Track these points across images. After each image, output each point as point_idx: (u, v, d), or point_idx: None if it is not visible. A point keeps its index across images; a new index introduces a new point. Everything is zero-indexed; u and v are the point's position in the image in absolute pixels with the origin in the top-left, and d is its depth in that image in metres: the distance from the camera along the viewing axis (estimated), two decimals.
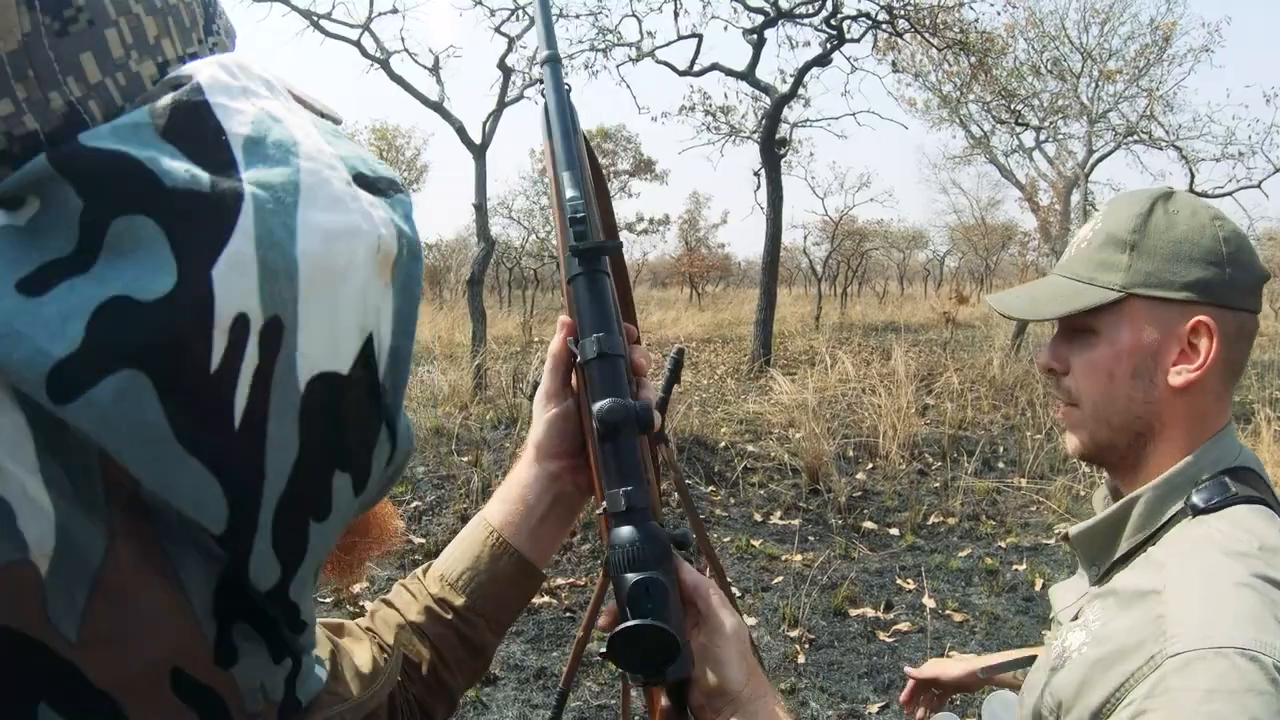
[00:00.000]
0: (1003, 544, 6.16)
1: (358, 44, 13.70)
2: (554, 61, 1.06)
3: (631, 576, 0.84)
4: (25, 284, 0.44)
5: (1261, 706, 0.89)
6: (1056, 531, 6.29)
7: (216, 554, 0.51)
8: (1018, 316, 1.28)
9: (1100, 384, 1.19)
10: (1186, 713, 0.91)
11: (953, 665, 1.77)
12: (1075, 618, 1.19)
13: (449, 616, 0.97)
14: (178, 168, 0.47)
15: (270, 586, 0.53)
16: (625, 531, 0.87)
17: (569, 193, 0.96)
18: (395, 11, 13.78)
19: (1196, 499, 1.13)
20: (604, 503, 0.90)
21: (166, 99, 0.49)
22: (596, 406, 0.90)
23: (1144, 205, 1.19)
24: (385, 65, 13.66)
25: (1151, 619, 1.01)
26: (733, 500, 6.98)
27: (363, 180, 0.55)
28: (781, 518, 6.63)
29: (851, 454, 8.28)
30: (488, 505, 1.06)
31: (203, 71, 0.50)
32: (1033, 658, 1.40)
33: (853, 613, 4.87)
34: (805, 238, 32.82)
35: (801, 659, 4.43)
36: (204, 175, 0.47)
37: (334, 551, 0.70)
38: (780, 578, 5.46)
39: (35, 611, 0.44)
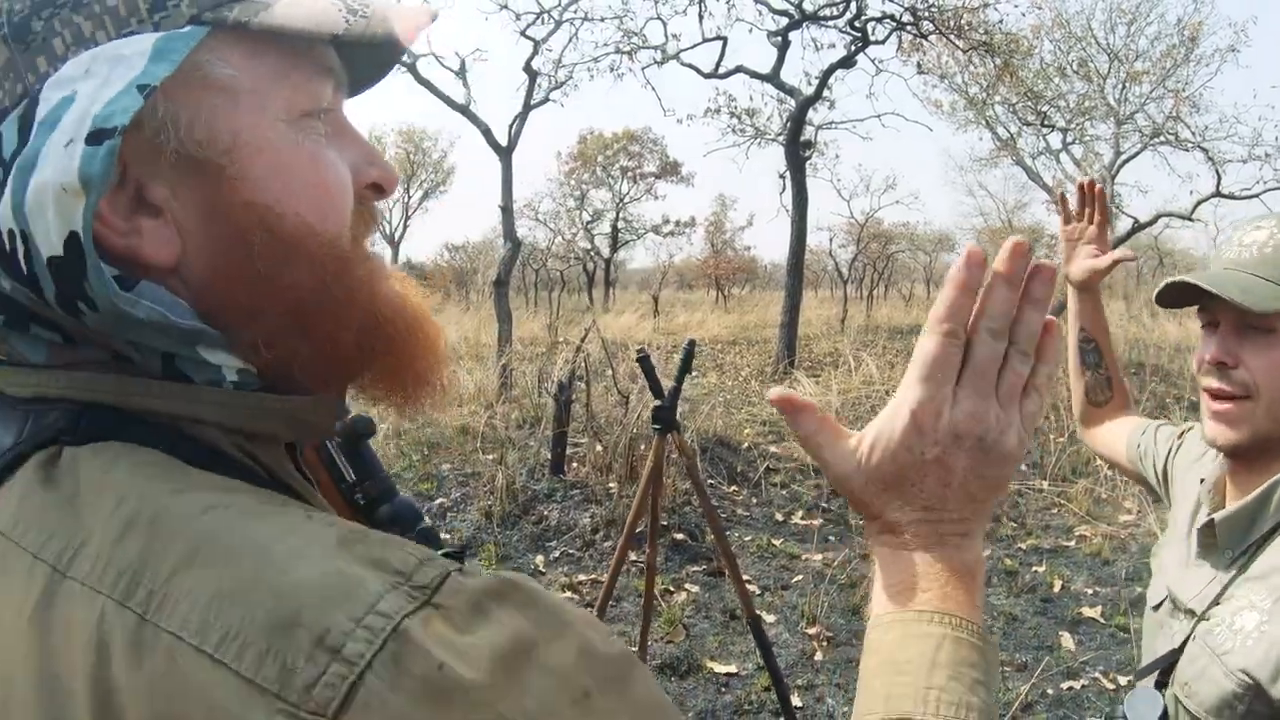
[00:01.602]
0: (1023, 545, 6.18)
1: None
2: None
3: None
4: None
5: None
6: (1076, 533, 6.32)
7: None
8: (1240, 303, 1.31)
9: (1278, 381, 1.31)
10: None
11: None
12: (1216, 603, 1.34)
13: None
14: None
15: None
16: None
17: None
18: None
19: None
20: None
21: None
22: None
23: None
24: (412, 69, 13.79)
25: None
26: (755, 500, 7.03)
27: None
28: (803, 518, 6.68)
29: None
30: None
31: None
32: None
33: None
34: (831, 240, 32.82)
35: (819, 656, 4.48)
36: None
37: (383, 377, 0.68)
38: (800, 576, 5.51)
39: None
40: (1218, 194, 15.14)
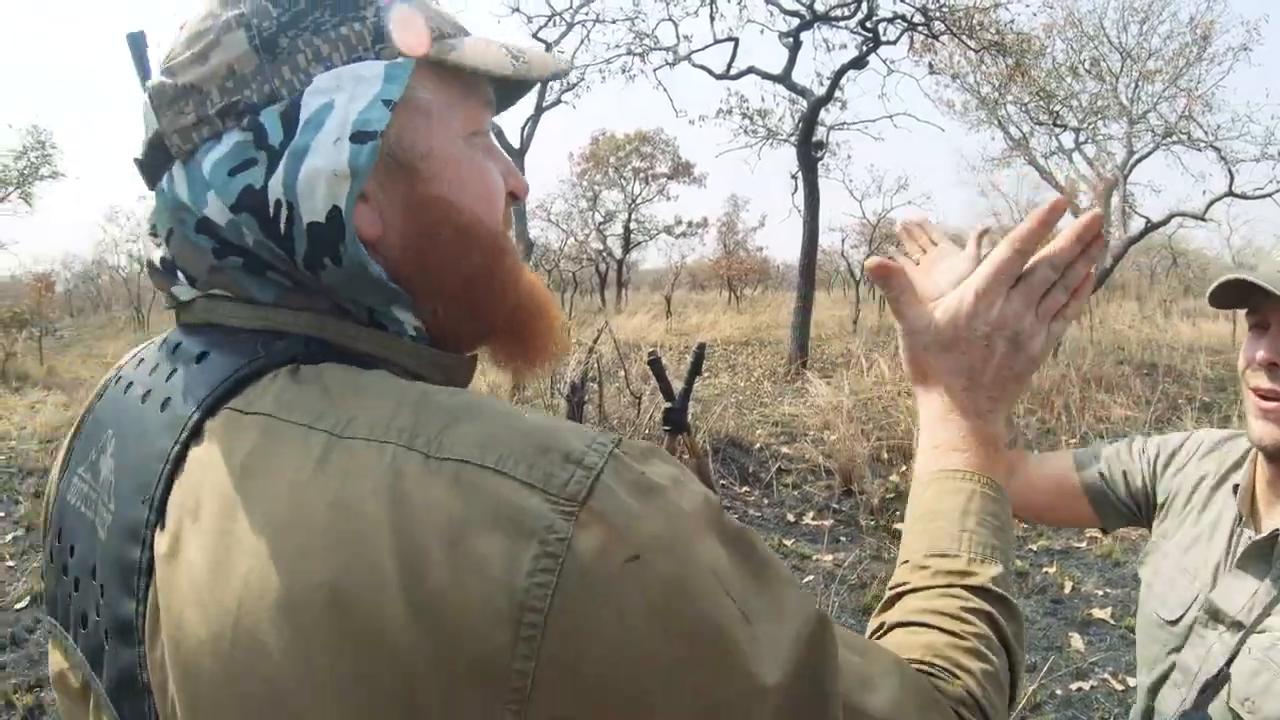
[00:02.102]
0: (1034, 547, 6.20)
1: None
2: None
3: None
4: None
5: None
6: (1087, 534, 6.33)
7: None
8: None
9: None
10: None
11: None
12: (1267, 614, 1.35)
13: None
14: None
15: None
16: None
17: None
18: None
19: None
20: None
21: None
22: None
23: None
24: None
25: None
26: (766, 501, 7.06)
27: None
28: (814, 518, 6.71)
29: (885, 456, 8.32)
30: None
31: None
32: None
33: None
34: (843, 241, 32.79)
35: None
36: None
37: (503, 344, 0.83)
38: (811, 576, 5.54)
39: None
40: (1230, 193, 15.10)
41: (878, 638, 0.81)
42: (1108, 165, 19.66)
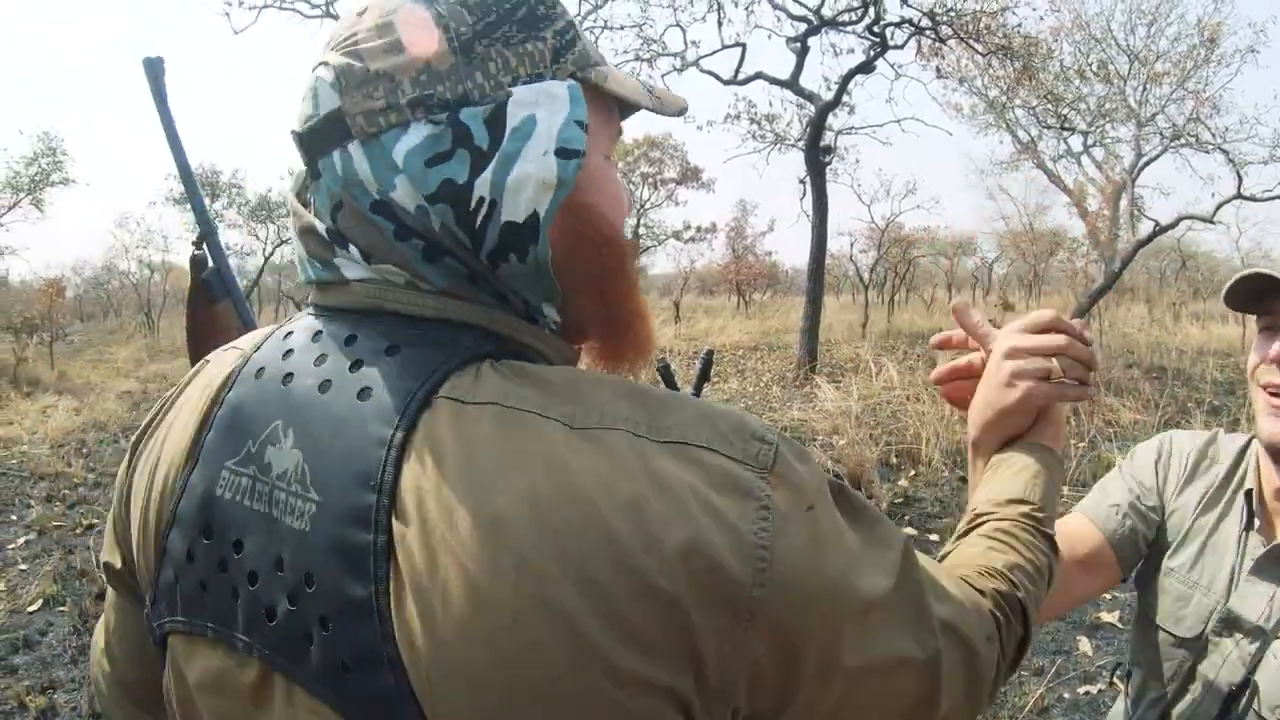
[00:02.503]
0: None
1: None
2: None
3: None
4: None
5: None
6: None
7: None
8: None
9: None
10: None
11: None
12: None
13: None
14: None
15: None
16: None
17: None
18: None
19: None
20: None
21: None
22: None
23: None
24: None
25: None
26: None
27: None
28: None
29: (894, 461, 8.34)
30: None
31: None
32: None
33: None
34: (852, 245, 32.70)
35: None
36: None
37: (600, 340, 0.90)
38: None
39: None
40: (1239, 196, 15.04)
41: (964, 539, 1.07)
42: (1116, 168, 19.65)
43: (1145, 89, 18.14)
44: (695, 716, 0.68)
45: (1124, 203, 18.36)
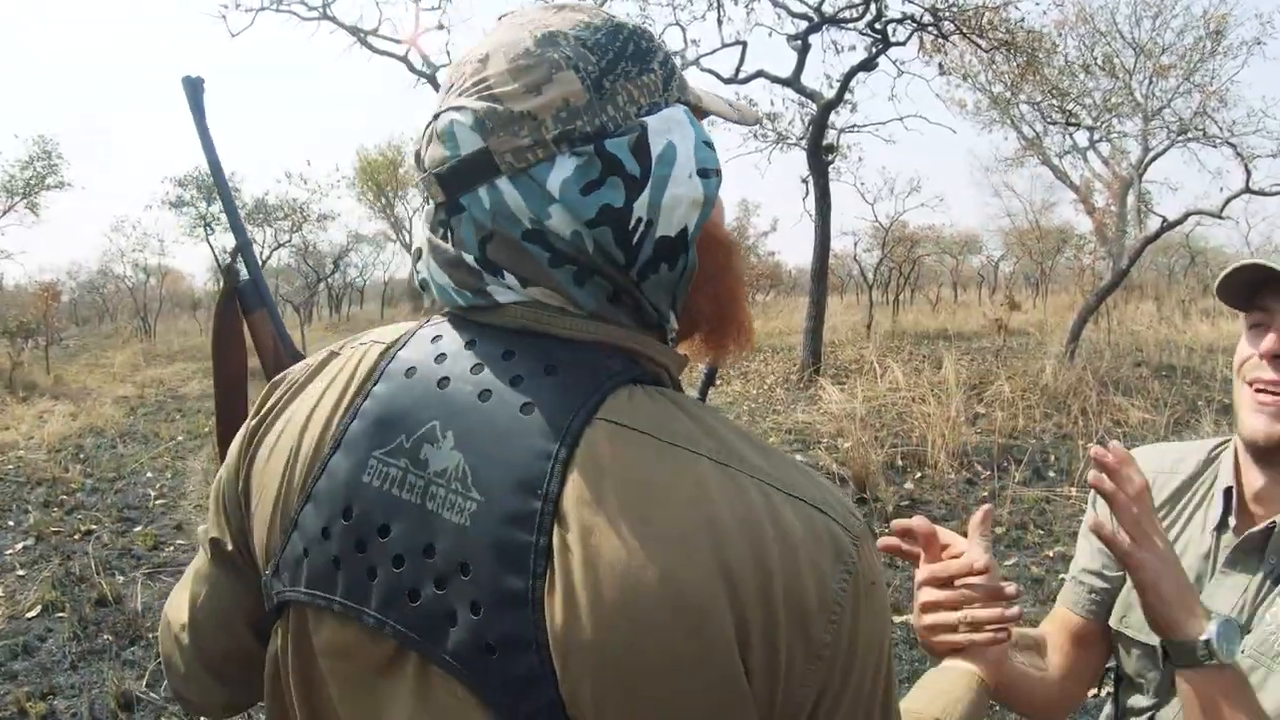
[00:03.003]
0: (1049, 553, 6.21)
1: (405, 59, 13.98)
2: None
3: None
4: None
5: None
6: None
7: None
8: None
9: None
10: None
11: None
12: (1254, 613, 1.37)
13: None
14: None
15: None
16: None
17: None
18: (441, 28, 14.05)
19: None
20: None
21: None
22: None
23: None
24: (432, 80, 13.93)
25: None
26: None
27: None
28: None
29: (900, 463, 8.35)
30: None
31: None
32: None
33: (896, 619, 4.94)
34: (855, 244, 32.77)
35: None
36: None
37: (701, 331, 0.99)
38: None
39: None
40: (1248, 190, 15.00)
41: None
42: (1123, 164, 19.68)
43: (1151, 82, 18.17)
44: None
45: (1131, 198, 18.38)
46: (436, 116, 0.87)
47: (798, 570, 0.78)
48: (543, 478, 0.78)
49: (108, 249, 59.76)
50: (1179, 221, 15.51)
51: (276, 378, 1.04)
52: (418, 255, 0.94)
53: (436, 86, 13.58)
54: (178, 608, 1.09)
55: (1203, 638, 1.21)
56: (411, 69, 14.13)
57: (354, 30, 14.05)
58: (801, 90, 14.88)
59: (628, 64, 0.86)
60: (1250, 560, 1.41)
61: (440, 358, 0.88)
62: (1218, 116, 17.11)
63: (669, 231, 0.86)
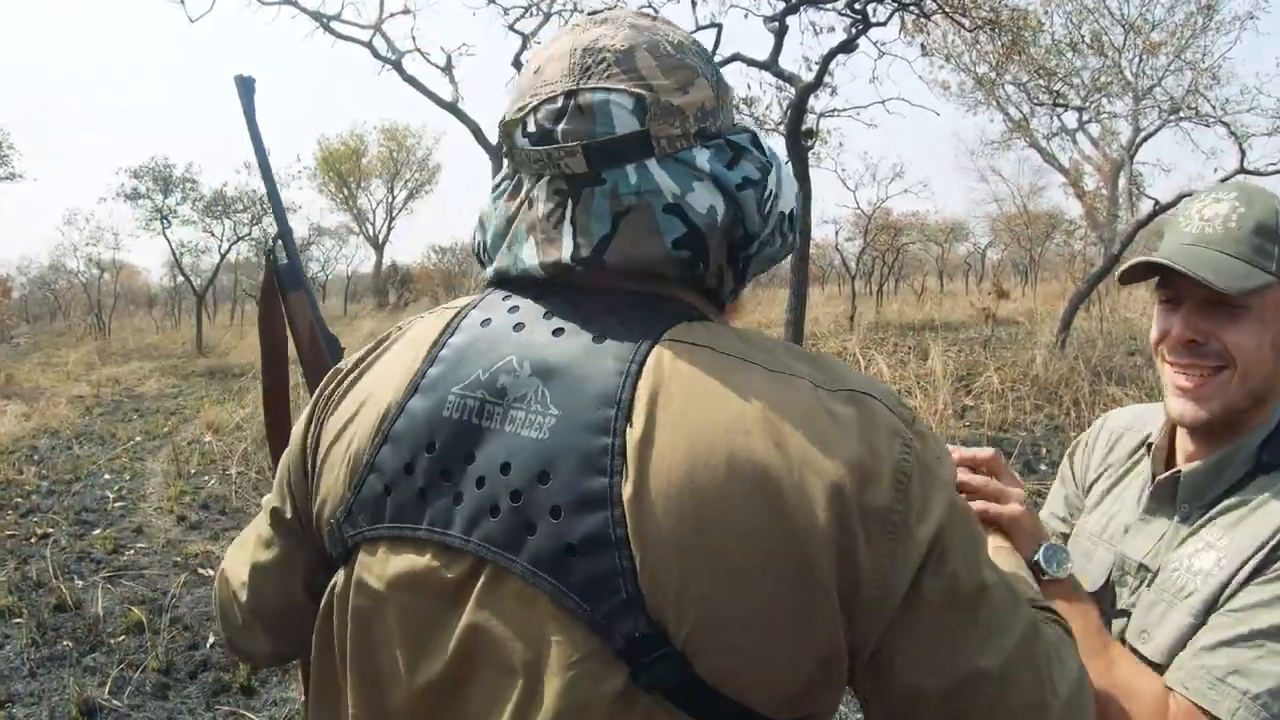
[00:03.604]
0: None
1: (369, 45, 13.94)
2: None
3: None
4: None
5: None
6: None
7: None
8: (1215, 284, 1.36)
9: (1254, 355, 1.39)
10: None
11: None
12: (1166, 551, 1.45)
13: None
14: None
15: None
16: None
17: None
18: (407, 12, 14.02)
19: None
20: None
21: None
22: None
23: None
24: (398, 66, 13.91)
25: None
26: None
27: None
28: None
29: None
30: None
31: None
32: None
33: None
34: (837, 233, 32.73)
35: None
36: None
37: None
38: None
39: None
40: (1242, 170, 15.03)
41: None
42: (1113, 145, 19.81)
43: (1141, 60, 18.30)
44: (853, 613, 0.90)
45: (1122, 181, 18.52)
46: (575, 93, 0.98)
47: (855, 448, 0.90)
48: (617, 389, 0.91)
49: (60, 243, 59.16)
50: (1172, 204, 15.58)
51: (340, 364, 1.16)
52: (481, 226, 1.09)
53: (402, 73, 13.56)
54: (237, 567, 1.23)
55: (1034, 558, 1.35)
56: (376, 55, 14.09)
57: (316, 15, 13.99)
58: (779, 74, 14.87)
59: (723, 80, 1.07)
60: (1165, 507, 1.50)
61: (514, 309, 1.02)
62: (1210, 94, 17.16)
63: (786, 208, 1.05)
